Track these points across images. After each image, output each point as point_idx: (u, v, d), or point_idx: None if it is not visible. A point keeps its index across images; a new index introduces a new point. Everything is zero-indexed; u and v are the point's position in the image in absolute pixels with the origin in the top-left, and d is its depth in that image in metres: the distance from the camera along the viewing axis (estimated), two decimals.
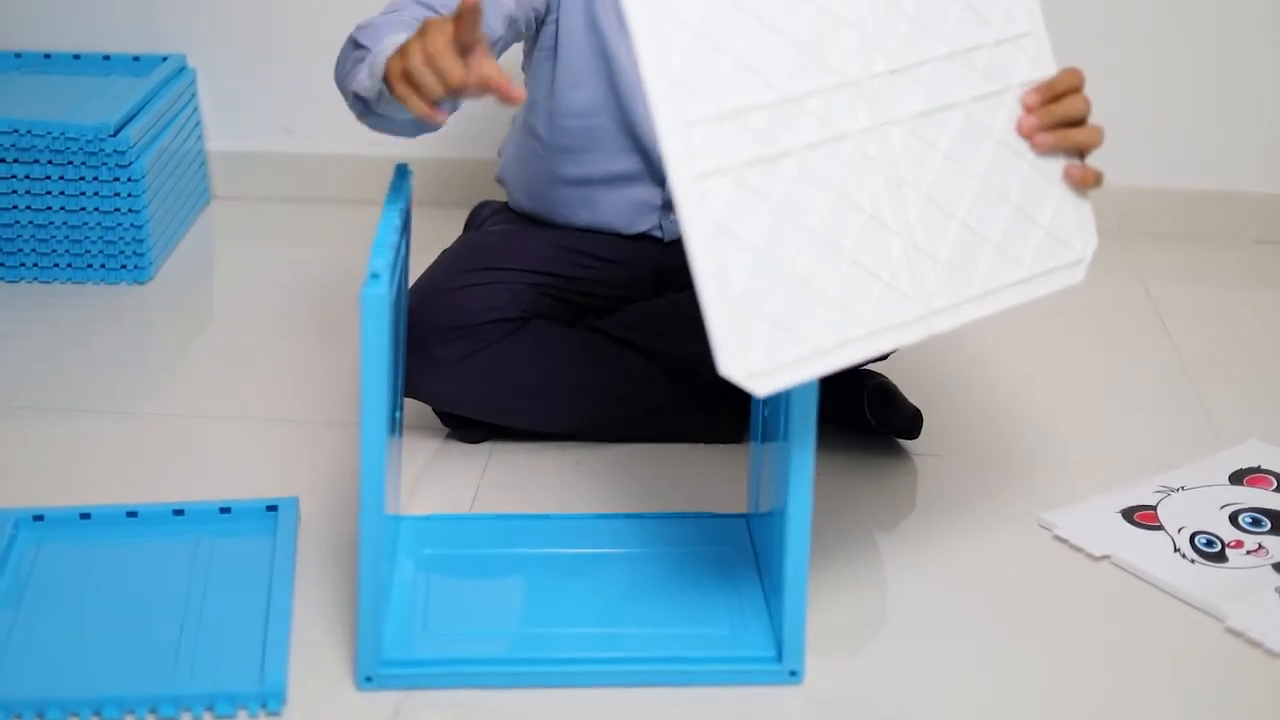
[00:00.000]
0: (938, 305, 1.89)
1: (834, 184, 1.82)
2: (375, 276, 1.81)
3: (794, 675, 2.04)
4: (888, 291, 1.85)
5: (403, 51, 1.88)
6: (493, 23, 2.33)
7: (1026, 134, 1.95)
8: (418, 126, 2.16)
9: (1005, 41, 1.93)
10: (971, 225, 1.91)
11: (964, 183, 1.91)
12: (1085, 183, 1.98)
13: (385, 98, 2.00)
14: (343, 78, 2.21)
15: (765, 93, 1.79)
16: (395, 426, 2.12)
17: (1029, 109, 1.95)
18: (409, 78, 1.87)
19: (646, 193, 2.57)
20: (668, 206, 2.56)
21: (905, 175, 1.87)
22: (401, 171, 2.11)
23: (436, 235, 2.77)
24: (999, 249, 1.94)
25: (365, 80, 2.05)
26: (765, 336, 1.76)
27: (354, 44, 2.21)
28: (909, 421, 2.58)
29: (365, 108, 2.14)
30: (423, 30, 1.88)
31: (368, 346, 1.83)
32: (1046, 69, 1.96)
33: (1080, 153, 2.00)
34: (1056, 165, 1.97)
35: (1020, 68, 1.94)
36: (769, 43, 1.79)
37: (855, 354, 1.83)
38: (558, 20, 2.45)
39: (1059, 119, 1.96)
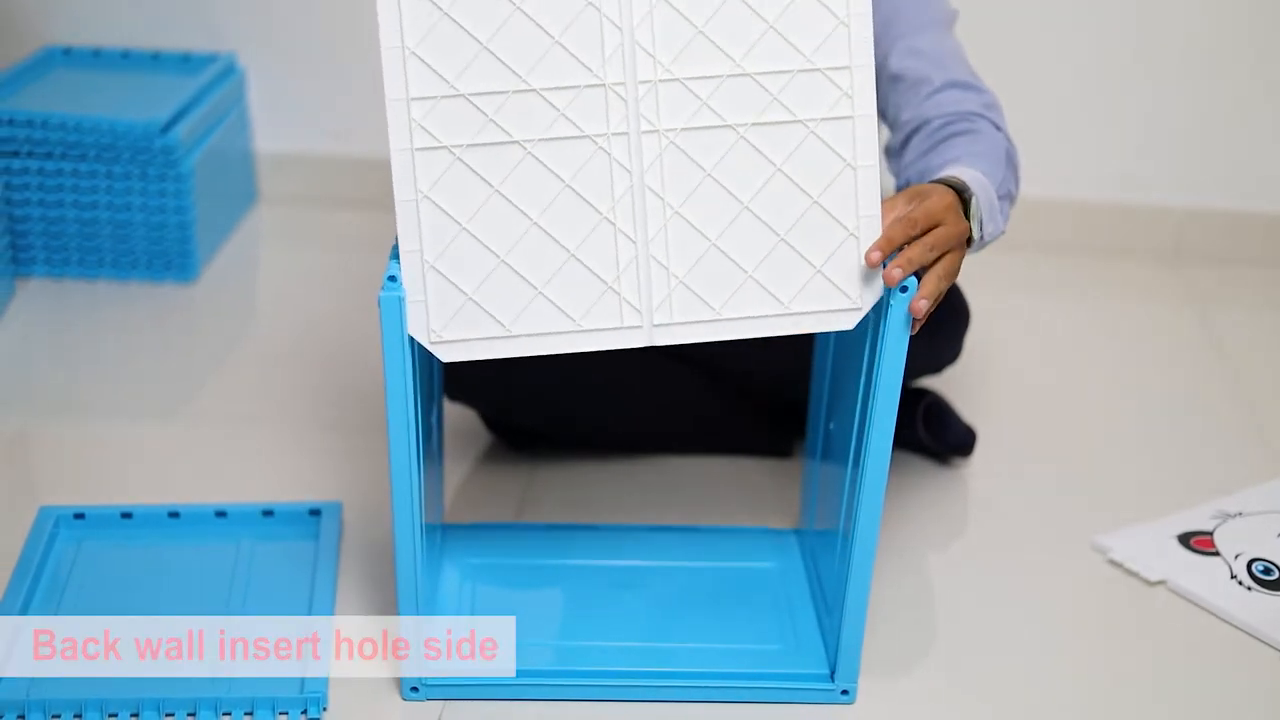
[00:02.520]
0: (662, 319, 1.86)
1: (566, 181, 1.82)
2: (392, 279, 1.80)
3: (846, 695, 2.01)
4: (608, 295, 1.85)
5: None
6: None
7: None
8: None
9: (813, 71, 1.82)
10: (725, 249, 1.85)
11: (726, 205, 1.85)
12: (915, 310, 1.83)
13: None
14: None
15: (505, 80, 1.80)
16: (433, 432, 2.10)
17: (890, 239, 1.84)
18: None
19: None
20: None
21: (654, 185, 1.83)
22: None
23: None
24: (754, 279, 1.86)
25: None
26: (454, 308, 1.83)
27: None
28: (963, 439, 2.55)
29: None
30: None
31: (389, 348, 1.82)
32: (863, 108, 1.83)
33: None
34: (849, 210, 1.85)
35: (825, 101, 1.83)
36: (522, 31, 1.79)
37: (557, 345, 1.86)
38: None
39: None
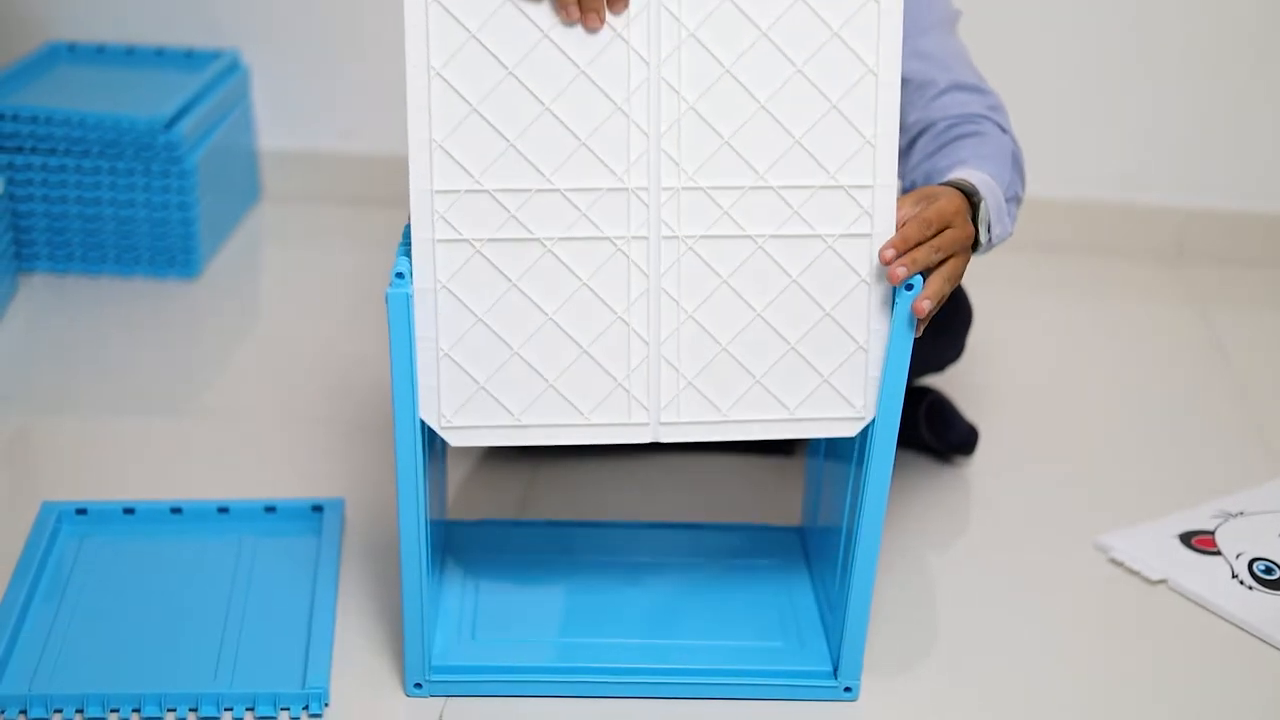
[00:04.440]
0: (669, 418, 1.90)
1: (584, 279, 1.84)
2: (400, 276, 1.81)
3: (849, 692, 2.01)
4: (617, 392, 1.88)
5: None
6: None
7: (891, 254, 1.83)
8: None
9: (835, 189, 1.83)
10: (735, 354, 1.88)
11: (739, 312, 1.87)
12: (918, 310, 1.83)
13: None
14: None
15: (530, 179, 1.81)
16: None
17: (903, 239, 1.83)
18: None
19: None
20: None
21: (669, 289, 1.85)
22: None
23: None
24: (761, 384, 1.90)
25: None
26: (466, 395, 1.87)
27: None
28: (965, 438, 2.55)
29: None
30: None
31: (395, 345, 1.82)
32: (881, 225, 1.83)
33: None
34: (860, 324, 1.87)
35: (845, 218, 1.83)
36: (549, 131, 1.80)
37: (565, 438, 1.90)
38: None
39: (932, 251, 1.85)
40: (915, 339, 1.84)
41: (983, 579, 2.30)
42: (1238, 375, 2.94)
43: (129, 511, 2.30)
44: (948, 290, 1.82)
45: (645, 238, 1.84)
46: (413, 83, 1.78)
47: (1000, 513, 2.48)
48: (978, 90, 2.17)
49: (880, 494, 1.90)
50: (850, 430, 1.91)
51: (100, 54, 3.43)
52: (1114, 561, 2.34)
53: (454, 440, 1.89)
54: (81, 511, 2.29)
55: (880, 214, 1.83)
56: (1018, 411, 2.77)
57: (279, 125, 3.55)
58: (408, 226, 1.85)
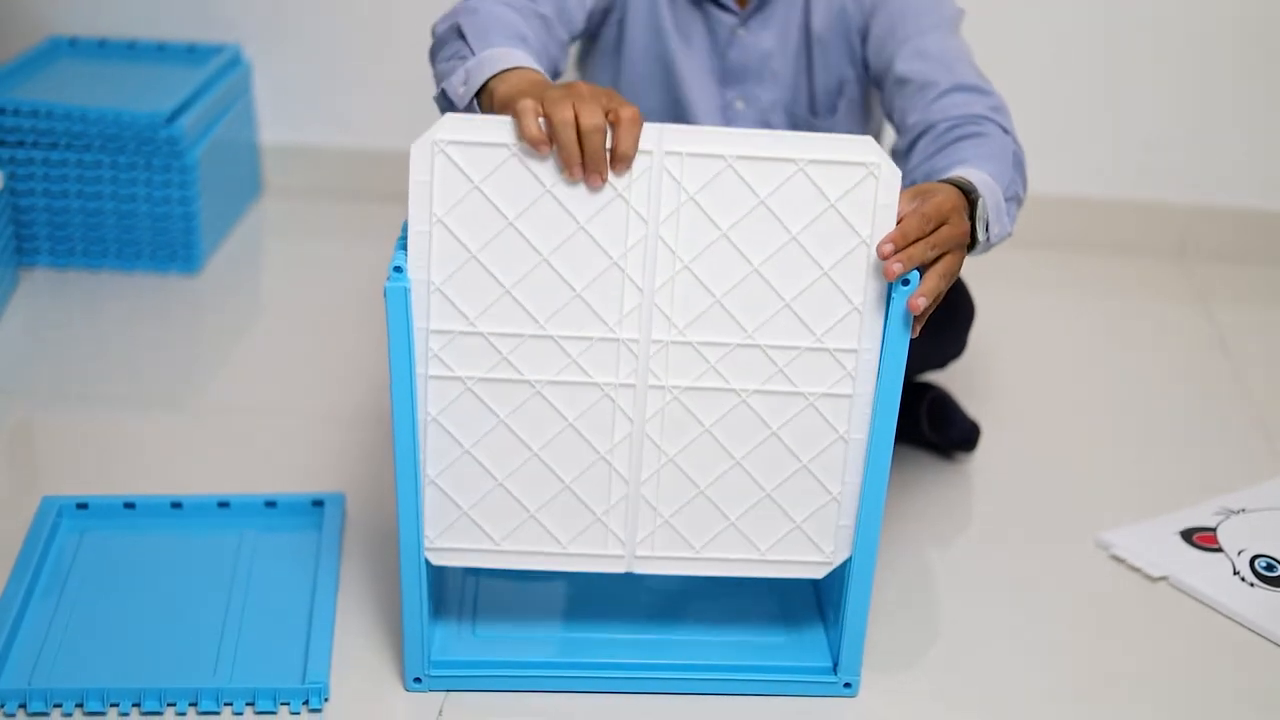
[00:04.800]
0: (644, 553, 1.95)
1: (570, 421, 1.89)
2: (398, 270, 1.81)
3: (849, 688, 2.01)
4: (596, 525, 1.94)
5: (548, 98, 1.77)
6: (576, 14, 2.28)
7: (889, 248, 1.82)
8: None
9: (820, 351, 1.87)
10: (712, 498, 1.93)
11: (719, 459, 1.92)
12: (913, 307, 1.82)
13: (473, 106, 1.96)
14: (437, 61, 2.10)
15: (524, 325, 1.85)
16: None
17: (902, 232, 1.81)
18: (552, 128, 1.77)
19: None
20: None
21: (653, 434, 1.90)
22: None
23: None
24: (735, 526, 1.95)
25: (459, 87, 1.99)
26: (449, 521, 1.93)
27: (458, 31, 2.08)
28: (966, 434, 2.55)
29: (449, 104, 2.08)
30: (577, 94, 1.78)
31: (394, 340, 1.82)
32: (862, 386, 1.88)
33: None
34: (835, 477, 1.92)
35: (829, 378, 1.88)
36: (546, 281, 1.83)
37: (544, 564, 1.96)
38: (621, 21, 2.41)
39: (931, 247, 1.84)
40: (917, 335, 1.85)
41: (983, 575, 2.30)
42: (1241, 372, 2.94)
43: (129, 506, 2.29)
44: (944, 287, 1.82)
45: (632, 385, 1.88)
46: (414, 227, 1.81)
47: (1001, 509, 2.48)
48: (980, 91, 2.16)
49: (878, 490, 1.91)
50: (819, 573, 1.97)
51: (102, 49, 3.43)
52: (1115, 558, 2.34)
53: (435, 560, 1.94)
54: (82, 506, 2.29)
55: (862, 377, 1.88)
56: (1020, 408, 2.77)
57: (280, 120, 3.55)
58: (407, 221, 1.86)
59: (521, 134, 1.76)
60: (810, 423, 1.90)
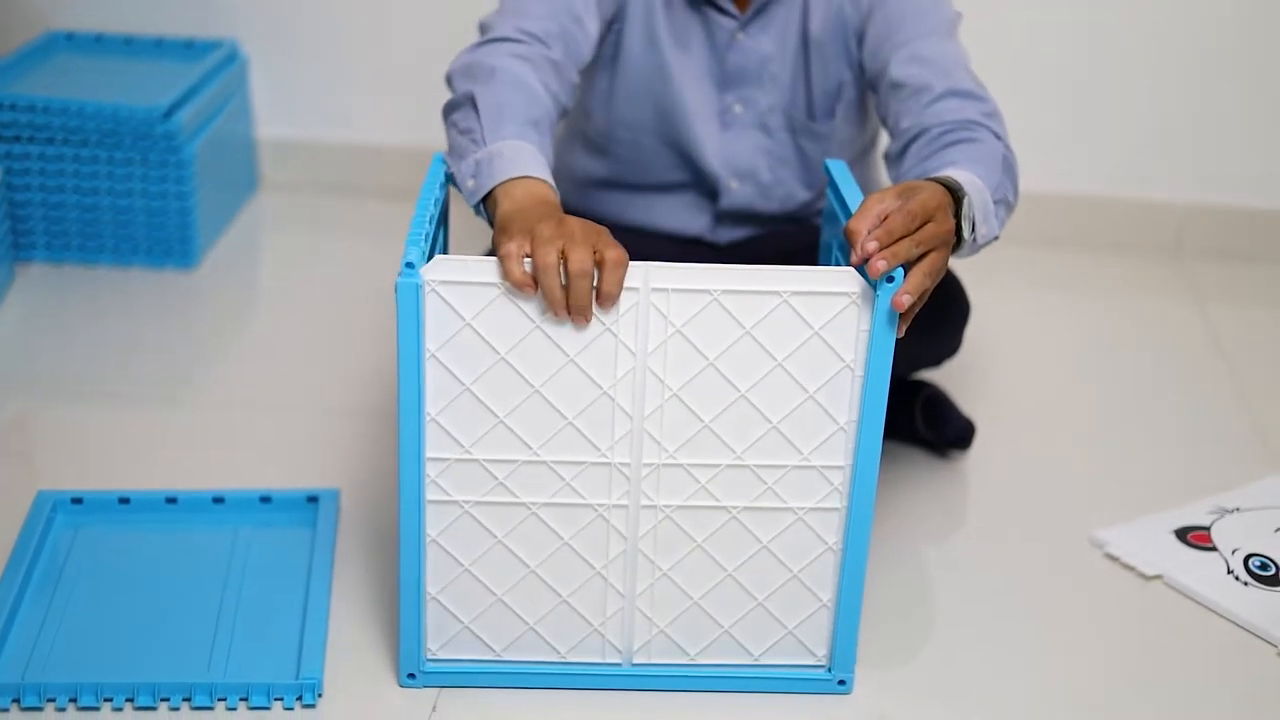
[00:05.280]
0: (641, 660, 2.01)
1: (566, 539, 1.94)
2: (410, 266, 1.81)
3: (843, 685, 2.01)
4: (593, 637, 2.00)
5: (537, 237, 1.78)
6: (585, 50, 2.27)
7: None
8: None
9: (808, 469, 1.91)
10: (706, 608, 1.99)
11: (711, 572, 1.97)
12: (898, 305, 1.81)
13: (479, 209, 1.97)
14: (448, 123, 2.10)
15: (518, 451, 1.89)
16: None
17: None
18: (537, 271, 1.78)
19: (697, 202, 2.53)
20: (719, 219, 2.52)
21: (646, 551, 1.95)
22: (439, 162, 2.09)
23: (478, 229, 2.74)
24: (729, 634, 2.00)
25: (468, 180, 1.97)
26: (450, 634, 1.99)
27: (472, 103, 2.05)
28: (961, 432, 2.55)
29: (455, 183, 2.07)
30: (567, 234, 1.78)
31: (403, 335, 1.83)
32: (850, 499, 1.92)
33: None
34: (827, 585, 1.97)
35: (817, 494, 1.93)
36: (538, 410, 1.87)
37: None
38: (620, 31, 2.41)
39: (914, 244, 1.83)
40: (912, 332, 1.86)
41: (977, 573, 2.30)
42: (1235, 370, 2.94)
43: (124, 501, 2.29)
44: (929, 285, 1.82)
45: (625, 506, 1.93)
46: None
47: (996, 507, 2.48)
48: (974, 97, 2.16)
49: (868, 488, 1.91)
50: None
51: (99, 43, 3.44)
52: (1109, 557, 2.34)
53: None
54: (77, 501, 2.29)
55: (850, 489, 1.92)
56: (1014, 405, 2.77)
57: (277, 115, 3.55)
58: (416, 217, 1.89)
59: (505, 278, 1.79)
60: (800, 535, 1.95)
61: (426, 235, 1.87)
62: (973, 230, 1.91)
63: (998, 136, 2.10)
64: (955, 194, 1.88)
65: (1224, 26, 3.34)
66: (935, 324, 2.36)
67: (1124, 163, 3.46)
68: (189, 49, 3.42)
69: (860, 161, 2.54)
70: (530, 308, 1.81)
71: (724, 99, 2.41)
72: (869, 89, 2.36)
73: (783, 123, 2.42)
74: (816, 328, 1.83)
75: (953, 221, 1.86)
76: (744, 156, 2.44)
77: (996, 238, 2.00)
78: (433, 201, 1.96)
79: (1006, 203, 2.04)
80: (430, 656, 1.98)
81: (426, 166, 2.40)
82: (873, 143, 2.58)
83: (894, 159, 2.17)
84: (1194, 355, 3.02)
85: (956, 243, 1.89)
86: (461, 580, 1.95)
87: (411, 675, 1.99)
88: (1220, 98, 3.40)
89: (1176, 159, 3.45)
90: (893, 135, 2.20)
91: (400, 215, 3.32)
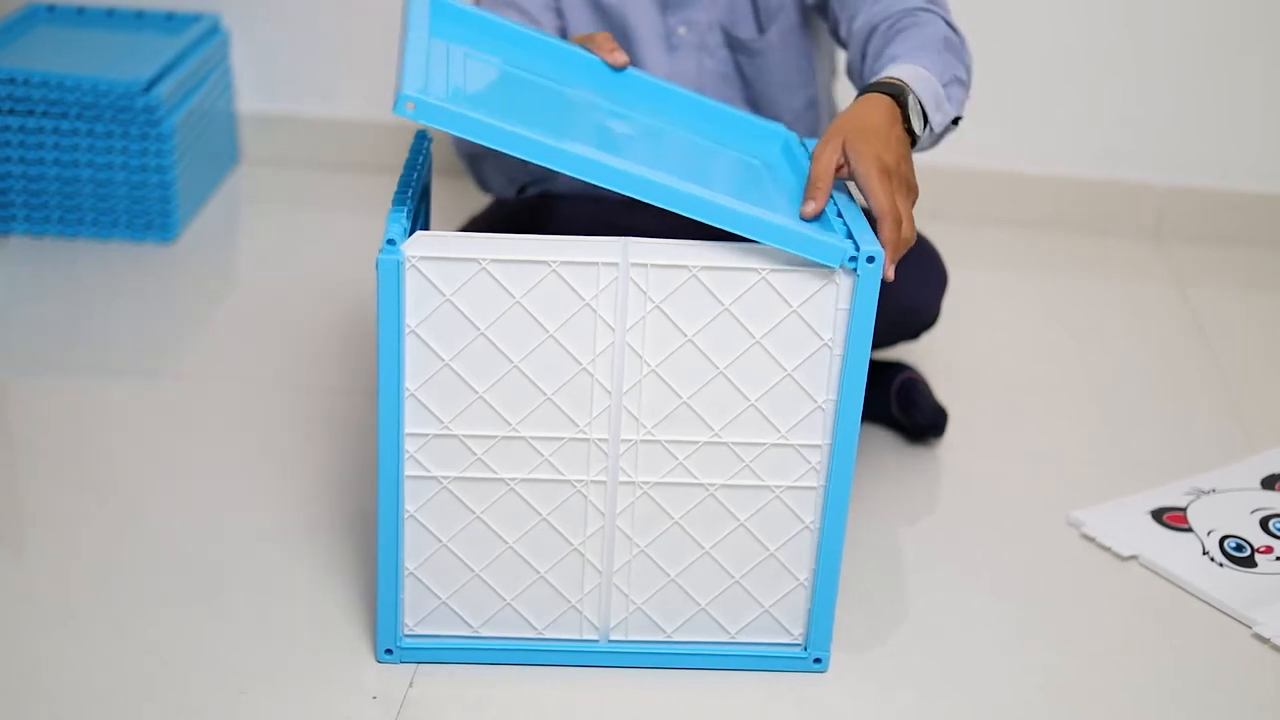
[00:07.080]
0: (618, 637, 2.02)
1: (544, 515, 1.95)
2: (391, 243, 1.81)
3: (819, 663, 2.02)
4: (571, 613, 2.00)
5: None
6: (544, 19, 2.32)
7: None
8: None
9: (786, 447, 1.92)
10: (683, 585, 1.99)
11: (689, 549, 1.98)
12: (889, 279, 1.85)
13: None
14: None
15: (497, 427, 1.90)
16: None
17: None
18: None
19: None
20: None
21: (624, 527, 1.96)
22: (420, 139, 2.09)
23: (458, 205, 2.75)
24: (706, 611, 2.01)
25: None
26: (427, 610, 1.99)
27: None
28: (933, 420, 2.55)
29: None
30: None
31: (384, 311, 1.83)
32: (828, 479, 1.93)
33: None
34: (803, 564, 1.98)
35: (794, 472, 1.93)
36: (517, 386, 1.88)
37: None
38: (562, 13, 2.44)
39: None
40: (887, 300, 1.91)
41: (953, 553, 2.30)
42: (1215, 353, 2.95)
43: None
44: (911, 235, 1.86)
45: (603, 482, 1.94)
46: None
47: (972, 487, 2.49)
48: None
49: (846, 465, 1.92)
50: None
51: (80, 16, 3.43)
52: (1085, 537, 2.34)
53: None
54: None
55: (827, 469, 1.93)
56: (993, 386, 2.77)
57: (258, 89, 3.55)
58: (397, 193, 1.89)
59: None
60: (777, 513, 1.96)
61: (408, 211, 1.87)
62: (926, 123, 1.94)
63: (940, 17, 2.11)
64: (899, 98, 1.92)
65: (1207, 9, 3.34)
66: (913, 291, 2.37)
67: (1105, 145, 3.46)
68: (170, 22, 3.41)
69: (813, 107, 2.53)
70: (512, 283, 1.81)
71: (668, 21, 2.42)
72: (815, 12, 2.37)
73: (720, 39, 2.43)
74: (795, 305, 1.84)
75: (907, 138, 1.91)
76: (689, 77, 2.45)
77: (959, 119, 2.03)
78: (414, 177, 1.97)
79: (959, 81, 2.06)
80: (407, 632, 1.98)
81: (408, 142, 2.41)
82: (821, 67, 2.56)
83: (856, 69, 2.19)
84: (1173, 337, 3.03)
85: (912, 141, 1.92)
86: (439, 556, 1.95)
87: (389, 650, 1.99)
88: (1200, 81, 3.40)
89: (1157, 141, 3.46)
90: (849, 44, 2.21)
91: (381, 190, 3.33)
